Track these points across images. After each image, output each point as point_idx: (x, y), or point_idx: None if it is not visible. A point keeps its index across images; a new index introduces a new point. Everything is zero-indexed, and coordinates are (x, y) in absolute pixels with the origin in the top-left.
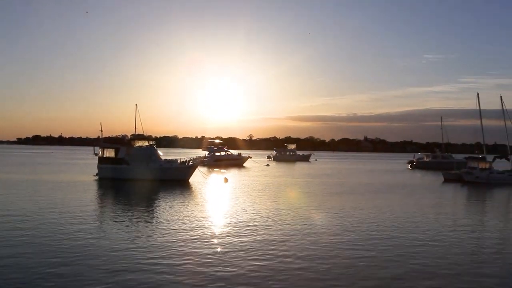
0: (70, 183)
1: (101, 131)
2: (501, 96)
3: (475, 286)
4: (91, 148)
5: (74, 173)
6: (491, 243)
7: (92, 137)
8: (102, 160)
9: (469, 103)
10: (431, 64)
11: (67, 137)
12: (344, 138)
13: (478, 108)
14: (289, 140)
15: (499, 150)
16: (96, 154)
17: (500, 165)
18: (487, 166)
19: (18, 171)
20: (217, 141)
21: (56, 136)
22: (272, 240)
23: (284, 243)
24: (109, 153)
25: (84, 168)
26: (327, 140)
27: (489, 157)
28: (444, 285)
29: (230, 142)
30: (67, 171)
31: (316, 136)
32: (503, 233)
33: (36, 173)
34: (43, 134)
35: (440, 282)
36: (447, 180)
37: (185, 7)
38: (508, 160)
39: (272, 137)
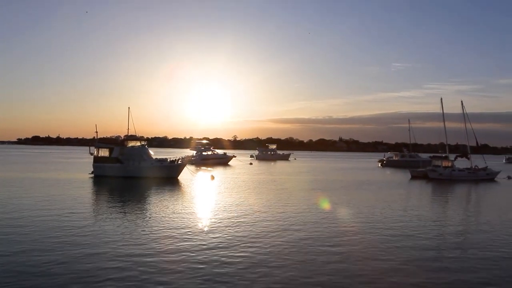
0: (67, 180)
1: (96, 132)
2: (462, 101)
3: (439, 272)
4: (87, 148)
5: (71, 171)
6: (452, 232)
7: (87, 138)
8: (97, 159)
9: (434, 107)
10: (399, 72)
11: (64, 137)
12: (321, 138)
13: (441, 112)
14: (270, 140)
15: (460, 150)
16: (91, 154)
17: (461, 163)
18: (450, 164)
19: (18, 170)
20: (204, 141)
21: (54, 136)
22: (254, 234)
23: (261, 238)
24: (104, 152)
25: (80, 167)
26: (305, 141)
27: (452, 156)
28: (411, 273)
29: (216, 143)
30: (64, 169)
31: (295, 137)
32: (463, 223)
33: (35, 171)
34: (42, 135)
35: (406, 271)
36: (414, 177)
37: (175, 15)
38: (468, 158)
39: (255, 138)
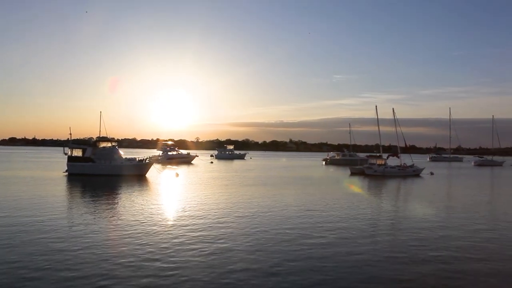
0: (43, 178)
1: (70, 134)
2: (393, 108)
3: (372, 257)
4: (61, 148)
5: (46, 170)
6: (384, 220)
7: (62, 139)
8: (71, 159)
9: (370, 113)
10: (339, 83)
11: (40, 139)
12: (273, 140)
13: (376, 117)
14: (229, 142)
15: (392, 150)
16: (65, 154)
17: (393, 161)
18: (383, 162)
19: None
20: (169, 142)
21: (30, 138)
22: (212, 226)
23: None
24: (77, 152)
25: (55, 166)
26: (259, 142)
27: (385, 156)
28: (344, 263)
29: (181, 143)
30: (40, 168)
31: (251, 138)
32: (393, 211)
33: (12, 169)
34: (19, 136)
35: (341, 260)
36: (353, 174)
37: (140, 21)
38: (398, 157)
39: (215, 140)
